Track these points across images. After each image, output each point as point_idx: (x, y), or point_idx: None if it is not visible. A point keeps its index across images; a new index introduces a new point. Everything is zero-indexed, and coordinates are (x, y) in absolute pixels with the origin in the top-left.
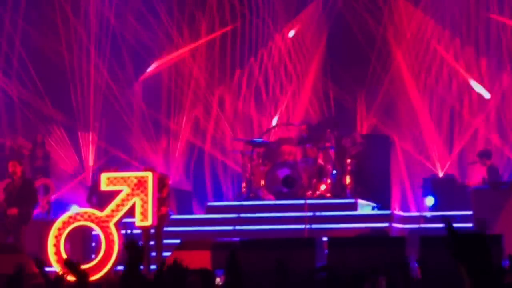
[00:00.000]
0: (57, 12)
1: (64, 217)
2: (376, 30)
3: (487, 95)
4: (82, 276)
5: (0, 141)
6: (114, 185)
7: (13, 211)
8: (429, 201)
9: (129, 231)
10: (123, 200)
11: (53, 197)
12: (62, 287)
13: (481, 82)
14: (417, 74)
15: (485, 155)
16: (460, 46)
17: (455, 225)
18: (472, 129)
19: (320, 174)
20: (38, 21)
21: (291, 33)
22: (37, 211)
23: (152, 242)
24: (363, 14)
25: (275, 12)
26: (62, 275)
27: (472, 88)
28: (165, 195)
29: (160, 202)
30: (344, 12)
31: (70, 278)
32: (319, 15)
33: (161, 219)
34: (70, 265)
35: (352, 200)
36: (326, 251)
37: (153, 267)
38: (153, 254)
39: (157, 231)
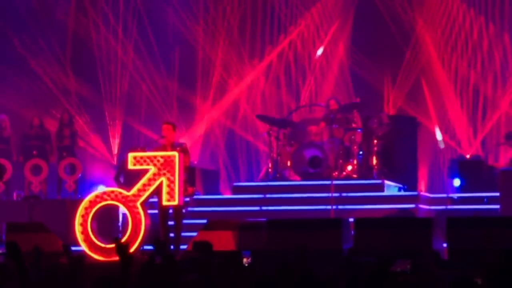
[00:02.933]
0: None
1: (91, 196)
2: (403, 11)
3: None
4: (128, 257)
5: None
6: (141, 164)
7: None
8: (456, 182)
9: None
10: (149, 180)
11: (79, 176)
12: (83, 266)
13: (505, 61)
14: (444, 55)
15: None
16: (486, 26)
17: (482, 206)
18: (499, 111)
19: (347, 155)
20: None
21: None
22: (63, 190)
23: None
24: None
25: None
26: (83, 255)
27: (498, 69)
28: (188, 164)
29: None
30: None
31: (96, 257)
32: None
33: (179, 210)
34: (118, 245)
35: (379, 181)
36: (353, 232)
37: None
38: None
39: (176, 211)
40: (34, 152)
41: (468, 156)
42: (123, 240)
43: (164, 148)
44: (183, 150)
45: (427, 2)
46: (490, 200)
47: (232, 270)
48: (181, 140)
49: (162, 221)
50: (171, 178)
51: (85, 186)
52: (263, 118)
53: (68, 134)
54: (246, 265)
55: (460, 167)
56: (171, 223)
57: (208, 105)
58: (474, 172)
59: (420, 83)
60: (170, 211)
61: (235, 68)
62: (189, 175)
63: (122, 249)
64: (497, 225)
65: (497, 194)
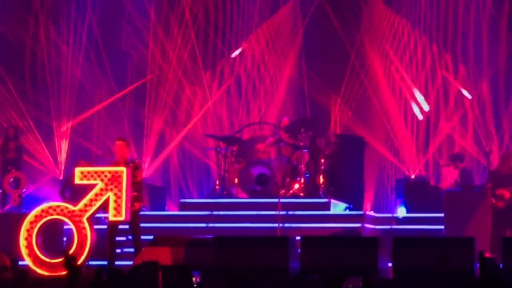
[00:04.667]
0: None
1: (36, 210)
2: (351, 31)
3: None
4: (75, 271)
5: None
6: (88, 179)
7: None
8: (401, 211)
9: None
10: (96, 195)
11: (24, 190)
12: (27, 281)
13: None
14: (389, 76)
15: (457, 158)
16: (431, 46)
17: (427, 227)
18: (444, 133)
19: (294, 173)
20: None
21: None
22: (8, 205)
23: (122, 238)
24: (338, 17)
25: (249, 12)
26: (26, 270)
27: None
28: (140, 179)
29: (134, 187)
30: (319, 14)
31: (41, 272)
32: (294, 15)
33: (136, 215)
34: (66, 257)
35: (325, 200)
36: (299, 250)
37: (129, 263)
38: (131, 250)
39: (134, 227)
40: None
41: (413, 177)
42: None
43: (117, 164)
44: (136, 166)
45: (374, 22)
46: (434, 221)
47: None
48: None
49: (110, 236)
50: (118, 193)
51: (30, 201)
52: (212, 136)
53: (13, 148)
54: (195, 285)
55: (406, 187)
56: (120, 238)
57: (158, 121)
58: (419, 193)
59: (367, 103)
60: (126, 226)
61: (187, 84)
62: (139, 191)
63: (69, 261)
64: (442, 245)
65: (442, 214)
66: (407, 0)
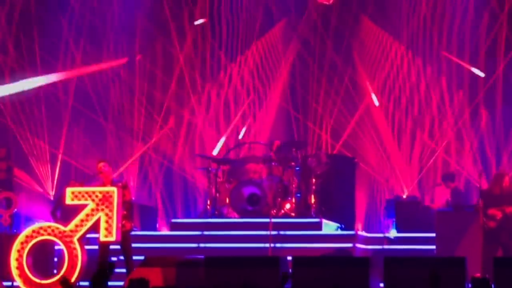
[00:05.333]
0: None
1: (27, 231)
2: (341, 53)
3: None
4: None
5: None
6: (79, 199)
7: None
8: (393, 233)
9: None
10: (87, 215)
11: (15, 210)
12: None
13: (441, 102)
14: (382, 97)
15: (449, 178)
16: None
17: (418, 247)
18: (436, 152)
19: (285, 193)
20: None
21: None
22: None
23: (114, 258)
24: (328, 37)
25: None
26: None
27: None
28: (128, 198)
29: (124, 207)
30: (309, 35)
31: None
32: (284, 38)
33: (127, 235)
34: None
35: (317, 220)
36: (290, 270)
37: (121, 283)
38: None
39: (125, 247)
40: None
41: (404, 196)
42: (58, 276)
43: (104, 186)
44: (124, 186)
45: (367, 45)
46: (426, 241)
47: None
48: (118, 176)
49: (101, 256)
50: (110, 213)
51: (20, 221)
52: (203, 156)
53: (4, 168)
54: None
55: (397, 207)
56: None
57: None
58: (411, 213)
59: (359, 125)
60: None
61: (175, 104)
62: (129, 210)
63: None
64: (433, 265)
65: (433, 234)
66: (398, 20)
